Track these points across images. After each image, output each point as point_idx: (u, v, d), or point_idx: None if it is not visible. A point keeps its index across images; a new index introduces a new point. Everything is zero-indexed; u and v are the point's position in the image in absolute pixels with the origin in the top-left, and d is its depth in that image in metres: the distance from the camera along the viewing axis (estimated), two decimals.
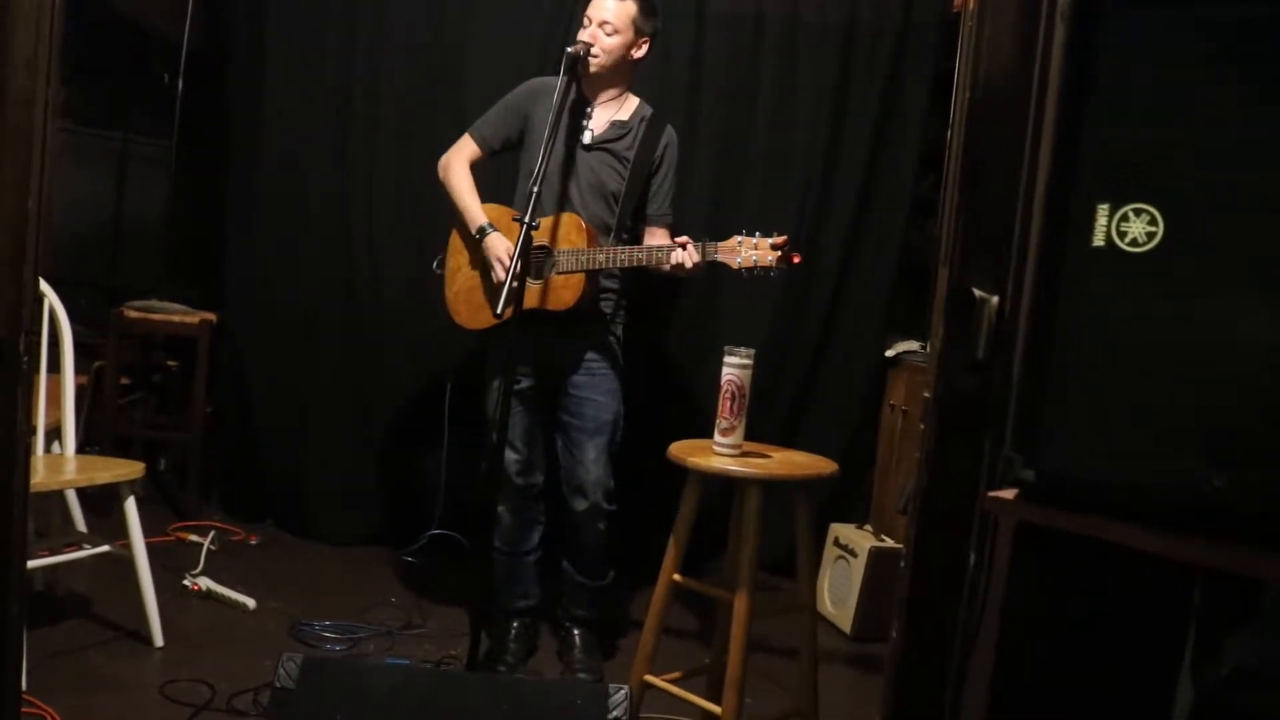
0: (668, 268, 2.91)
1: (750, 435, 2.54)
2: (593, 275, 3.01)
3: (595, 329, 3.15)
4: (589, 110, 3.13)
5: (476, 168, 3.21)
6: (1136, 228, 1.21)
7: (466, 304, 3.18)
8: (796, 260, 2.80)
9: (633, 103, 3.19)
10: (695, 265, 2.86)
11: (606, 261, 2.94)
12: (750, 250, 2.78)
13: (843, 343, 4.25)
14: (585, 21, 3.05)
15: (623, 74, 3.14)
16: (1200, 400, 1.18)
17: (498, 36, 4.04)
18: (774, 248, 2.76)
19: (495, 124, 3.21)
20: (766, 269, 2.78)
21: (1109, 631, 1.44)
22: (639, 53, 3.12)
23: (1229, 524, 1.15)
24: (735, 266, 2.80)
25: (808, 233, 4.11)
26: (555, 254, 2.99)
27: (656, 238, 3.15)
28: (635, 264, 2.95)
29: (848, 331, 4.25)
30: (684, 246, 2.85)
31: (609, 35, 3.03)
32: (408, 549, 3.97)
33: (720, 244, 2.83)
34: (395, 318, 4.16)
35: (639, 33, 3.08)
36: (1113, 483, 1.23)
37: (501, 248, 3.02)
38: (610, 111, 3.15)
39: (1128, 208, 1.22)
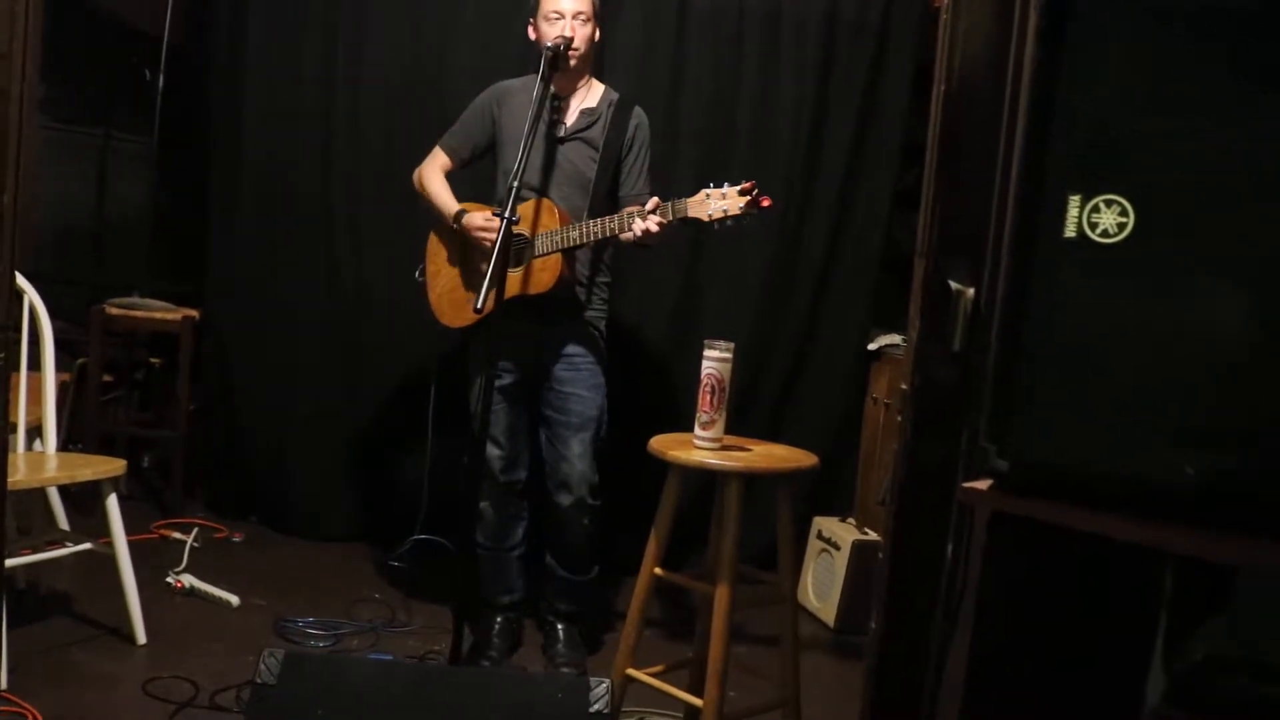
0: (632, 234, 2.87)
1: (732, 429, 2.54)
2: (569, 256, 3.01)
3: (575, 316, 3.14)
4: (560, 103, 3.14)
5: (454, 178, 3.24)
6: (1108, 218, 1.22)
7: (450, 304, 3.18)
8: (766, 203, 2.75)
9: (598, 89, 3.20)
10: (660, 226, 2.81)
11: (580, 237, 2.92)
12: (719, 201, 2.74)
13: (825, 336, 4.26)
14: (553, 16, 3.02)
15: (590, 61, 3.16)
16: (1171, 389, 1.19)
17: (479, 34, 4.04)
18: (741, 193, 2.72)
19: (462, 133, 3.24)
20: (738, 217, 2.74)
21: (1083, 619, 1.45)
22: (598, 35, 3.14)
23: (1201, 511, 1.16)
24: (706, 218, 2.76)
25: (790, 226, 4.13)
26: (533, 240, 2.99)
27: None
28: (608, 234, 2.90)
29: (830, 324, 4.25)
30: (655, 210, 2.81)
31: (584, 25, 3.03)
32: (393, 554, 3.96)
33: (688, 199, 2.79)
34: (379, 314, 4.15)
35: (598, 17, 3.12)
36: (1085, 471, 1.24)
37: (480, 218, 3.05)
38: (579, 100, 3.16)
39: (1099, 199, 1.22)
